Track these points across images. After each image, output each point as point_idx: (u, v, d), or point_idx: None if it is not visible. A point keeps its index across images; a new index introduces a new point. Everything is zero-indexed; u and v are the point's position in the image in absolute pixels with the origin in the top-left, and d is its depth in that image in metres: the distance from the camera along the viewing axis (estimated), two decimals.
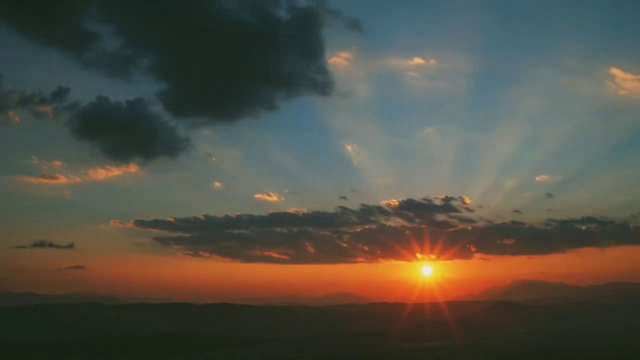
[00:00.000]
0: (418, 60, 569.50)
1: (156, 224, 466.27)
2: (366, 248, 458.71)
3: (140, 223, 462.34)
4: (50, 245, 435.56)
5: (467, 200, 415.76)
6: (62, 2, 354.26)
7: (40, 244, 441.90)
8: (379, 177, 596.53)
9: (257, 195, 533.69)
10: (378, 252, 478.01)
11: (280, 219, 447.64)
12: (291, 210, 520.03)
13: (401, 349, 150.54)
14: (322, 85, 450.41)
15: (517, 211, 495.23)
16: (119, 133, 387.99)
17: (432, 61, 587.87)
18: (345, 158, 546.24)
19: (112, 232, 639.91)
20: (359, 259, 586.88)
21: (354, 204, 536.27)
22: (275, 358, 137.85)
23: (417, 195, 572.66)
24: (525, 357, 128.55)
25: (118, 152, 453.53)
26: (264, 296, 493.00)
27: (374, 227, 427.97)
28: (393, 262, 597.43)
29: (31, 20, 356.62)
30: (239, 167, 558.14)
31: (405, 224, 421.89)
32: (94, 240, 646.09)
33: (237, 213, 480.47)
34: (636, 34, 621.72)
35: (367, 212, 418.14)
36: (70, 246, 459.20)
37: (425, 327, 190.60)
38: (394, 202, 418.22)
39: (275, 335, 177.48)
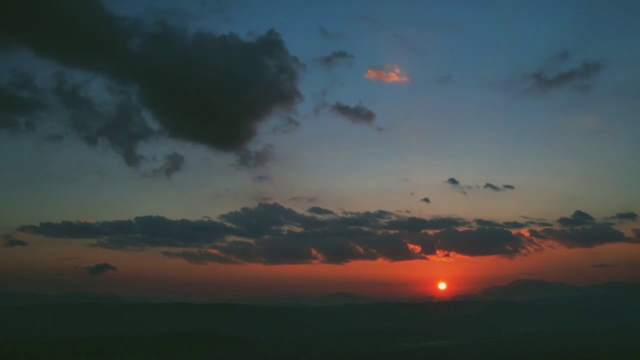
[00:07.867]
0: None
1: None
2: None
3: None
4: None
5: None
6: None
7: None
8: None
9: None
10: None
11: None
12: None
13: (401, 348, 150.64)
14: None
15: None
16: None
17: None
18: None
19: None
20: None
21: None
22: (275, 358, 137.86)
23: None
24: (525, 357, 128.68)
25: None
26: (264, 296, 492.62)
27: None
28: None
29: None
30: None
31: None
32: None
33: None
34: None
35: None
36: None
37: (424, 326, 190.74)
38: None
39: (275, 335, 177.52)
